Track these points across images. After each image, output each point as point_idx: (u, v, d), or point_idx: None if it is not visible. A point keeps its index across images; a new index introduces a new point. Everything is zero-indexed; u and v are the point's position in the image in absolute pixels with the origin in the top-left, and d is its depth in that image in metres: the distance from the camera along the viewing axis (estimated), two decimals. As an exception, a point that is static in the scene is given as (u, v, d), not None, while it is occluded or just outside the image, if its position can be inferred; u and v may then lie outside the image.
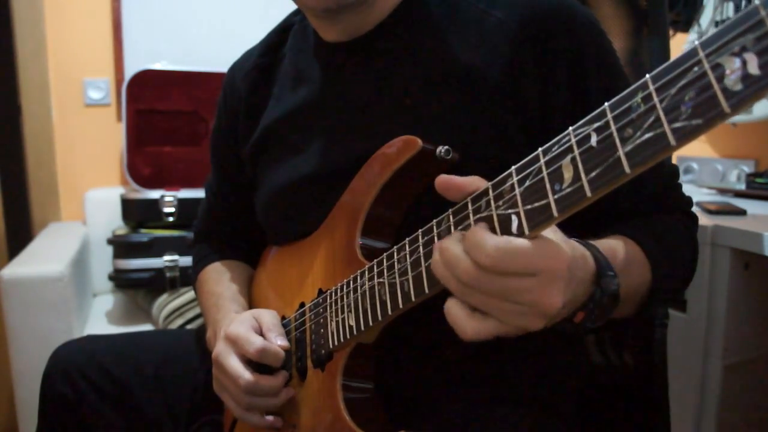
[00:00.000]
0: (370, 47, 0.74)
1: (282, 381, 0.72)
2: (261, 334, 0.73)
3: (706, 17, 1.68)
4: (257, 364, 0.71)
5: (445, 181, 0.53)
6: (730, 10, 1.61)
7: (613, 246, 0.60)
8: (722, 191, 1.56)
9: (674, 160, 1.92)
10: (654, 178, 0.71)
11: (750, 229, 1.07)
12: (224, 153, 0.92)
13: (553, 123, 0.46)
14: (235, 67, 0.91)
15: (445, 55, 0.69)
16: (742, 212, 1.23)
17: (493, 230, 0.48)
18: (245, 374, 0.69)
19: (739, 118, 1.64)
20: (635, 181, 0.67)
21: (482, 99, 0.67)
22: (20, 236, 2.00)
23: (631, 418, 0.90)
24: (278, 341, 0.71)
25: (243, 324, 0.73)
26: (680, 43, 1.74)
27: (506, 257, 0.45)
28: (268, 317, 0.75)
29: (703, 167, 1.88)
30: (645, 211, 0.70)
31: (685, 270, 0.73)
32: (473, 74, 0.67)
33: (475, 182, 0.52)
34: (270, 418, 0.73)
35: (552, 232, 0.48)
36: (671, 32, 1.67)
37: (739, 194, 1.52)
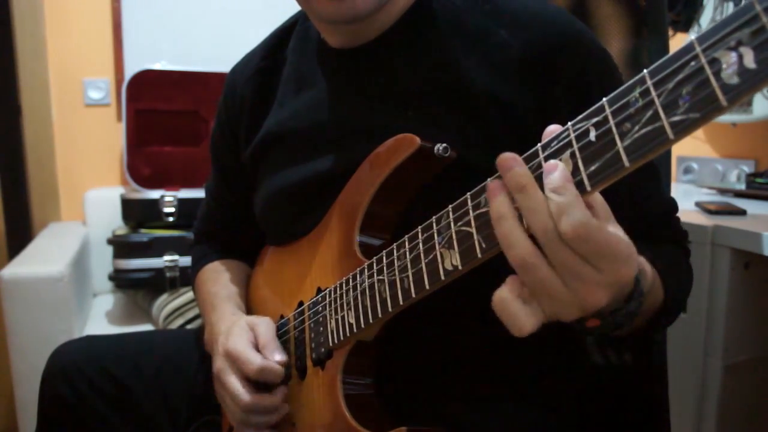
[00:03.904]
0: (374, 55, 0.74)
1: (281, 398, 0.71)
2: (257, 347, 0.72)
3: (706, 17, 1.68)
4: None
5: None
6: (729, 10, 1.61)
7: (646, 268, 0.58)
8: (722, 191, 1.56)
9: (674, 160, 1.92)
10: (656, 205, 0.72)
11: (750, 229, 1.07)
12: (224, 156, 0.92)
13: None
14: (236, 70, 0.90)
15: (448, 68, 0.69)
16: (742, 212, 1.23)
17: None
18: (245, 396, 0.69)
19: (739, 118, 1.64)
20: (638, 205, 0.67)
21: (482, 114, 0.67)
22: (20, 236, 1.99)
23: (631, 418, 0.90)
24: (276, 356, 0.70)
25: (241, 338, 0.72)
26: (680, 43, 1.73)
27: (591, 236, 0.42)
28: (264, 328, 0.74)
29: (703, 167, 1.88)
30: (645, 237, 0.70)
31: (685, 298, 0.73)
32: (474, 89, 0.68)
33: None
34: None
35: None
36: (671, 32, 1.67)
37: (739, 194, 1.52)
